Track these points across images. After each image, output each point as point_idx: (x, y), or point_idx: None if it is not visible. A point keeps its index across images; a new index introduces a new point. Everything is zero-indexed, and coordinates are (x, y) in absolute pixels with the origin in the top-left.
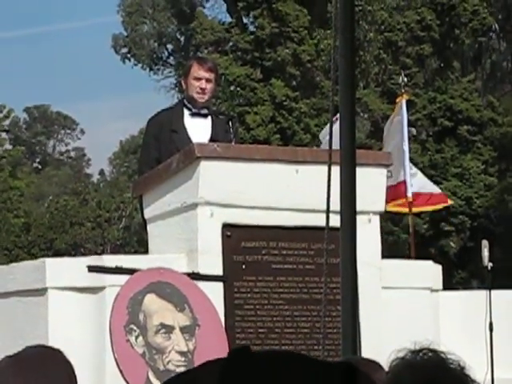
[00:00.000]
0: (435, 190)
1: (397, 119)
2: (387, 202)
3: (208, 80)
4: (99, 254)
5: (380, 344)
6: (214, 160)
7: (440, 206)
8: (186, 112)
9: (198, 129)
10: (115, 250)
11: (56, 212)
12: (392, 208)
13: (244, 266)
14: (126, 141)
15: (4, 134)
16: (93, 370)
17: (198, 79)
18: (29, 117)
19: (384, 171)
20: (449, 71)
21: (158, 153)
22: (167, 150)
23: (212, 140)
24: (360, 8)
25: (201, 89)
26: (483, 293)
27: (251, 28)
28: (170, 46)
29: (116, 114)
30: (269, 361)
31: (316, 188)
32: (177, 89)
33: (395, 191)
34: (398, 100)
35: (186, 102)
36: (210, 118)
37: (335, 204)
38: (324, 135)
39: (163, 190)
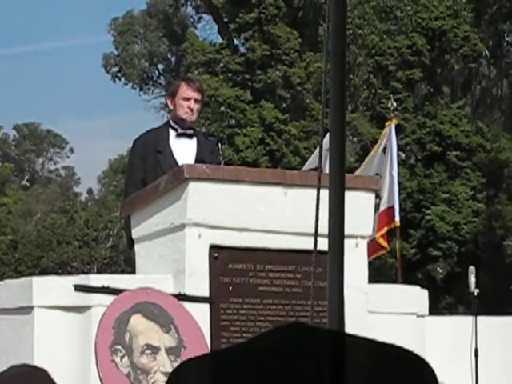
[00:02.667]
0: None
1: (384, 145)
2: (378, 229)
3: (196, 100)
4: (86, 273)
5: None
6: (203, 181)
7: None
8: (172, 133)
9: (184, 150)
10: (102, 269)
11: (43, 230)
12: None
13: (231, 288)
14: (115, 160)
15: None
16: None
17: (187, 99)
18: (18, 134)
19: (372, 196)
20: (438, 96)
21: (144, 173)
22: (153, 170)
23: (197, 161)
24: (351, 32)
25: (190, 109)
26: (469, 319)
27: (242, 49)
28: (160, 66)
29: (105, 133)
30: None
31: (304, 211)
32: (167, 109)
33: (384, 217)
34: (387, 124)
35: (172, 123)
36: (195, 138)
37: (323, 227)
38: (309, 164)
39: (151, 211)
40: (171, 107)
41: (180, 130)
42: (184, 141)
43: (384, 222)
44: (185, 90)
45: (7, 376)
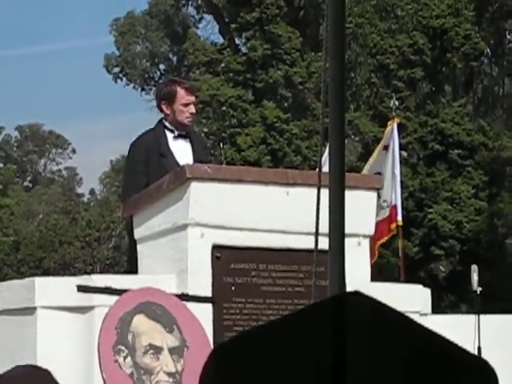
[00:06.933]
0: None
1: (386, 144)
2: (382, 236)
3: (193, 103)
4: (88, 274)
5: None
6: (205, 181)
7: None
8: (169, 135)
9: (182, 151)
10: (105, 270)
11: (46, 231)
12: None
13: (233, 288)
14: (117, 160)
15: None
16: None
17: (187, 105)
18: (20, 135)
19: (374, 194)
20: (440, 95)
21: (147, 178)
22: (157, 174)
23: (195, 161)
24: (351, 31)
25: (191, 114)
26: (472, 317)
27: (243, 49)
28: (162, 66)
29: (107, 133)
30: None
31: (306, 210)
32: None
33: (387, 218)
34: (389, 123)
35: (168, 125)
36: (188, 138)
37: (325, 227)
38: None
39: (154, 211)
40: (168, 112)
41: (177, 133)
42: (181, 142)
43: (382, 232)
44: (184, 96)
45: (11, 376)
